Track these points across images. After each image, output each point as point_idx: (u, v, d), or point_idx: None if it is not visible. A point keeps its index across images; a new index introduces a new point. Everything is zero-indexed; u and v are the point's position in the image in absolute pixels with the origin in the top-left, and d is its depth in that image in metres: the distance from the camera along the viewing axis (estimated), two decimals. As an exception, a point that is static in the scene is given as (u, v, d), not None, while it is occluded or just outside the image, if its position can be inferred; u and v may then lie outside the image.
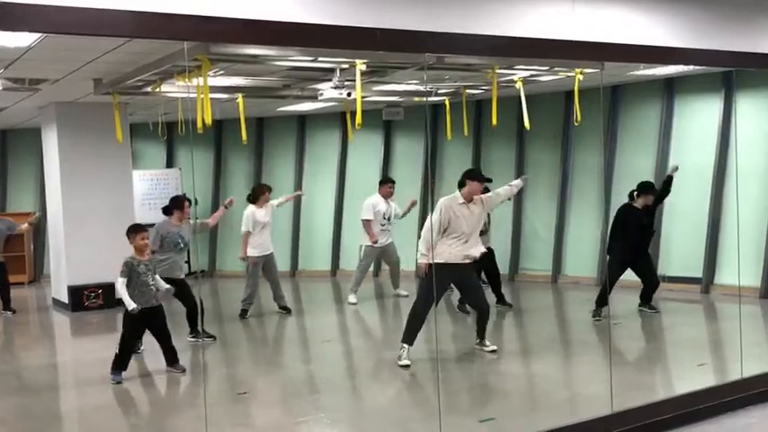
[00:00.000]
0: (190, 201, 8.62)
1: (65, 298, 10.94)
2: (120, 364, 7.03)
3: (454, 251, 7.16)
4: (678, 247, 10.71)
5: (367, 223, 10.43)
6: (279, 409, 6.44)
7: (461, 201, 7.31)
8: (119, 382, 6.96)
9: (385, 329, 9.93)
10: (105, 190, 10.99)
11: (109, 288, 10.87)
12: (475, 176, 7.42)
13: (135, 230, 7.10)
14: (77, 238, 10.87)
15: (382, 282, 12.13)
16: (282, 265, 13.30)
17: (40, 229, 14.10)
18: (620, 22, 5.81)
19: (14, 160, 14.51)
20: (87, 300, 10.76)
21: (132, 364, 7.21)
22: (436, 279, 7.01)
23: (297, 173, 13.87)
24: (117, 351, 7.04)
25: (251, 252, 9.70)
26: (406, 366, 7.10)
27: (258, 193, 9.84)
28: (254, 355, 8.48)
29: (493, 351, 7.60)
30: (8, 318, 10.65)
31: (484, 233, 8.97)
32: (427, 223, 7.12)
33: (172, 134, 13.48)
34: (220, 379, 7.24)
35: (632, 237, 8.82)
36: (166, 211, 8.56)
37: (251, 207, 9.75)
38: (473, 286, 7.66)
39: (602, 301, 8.82)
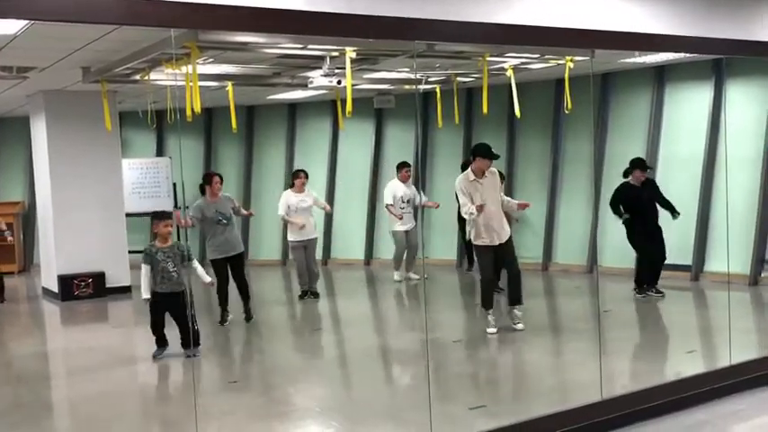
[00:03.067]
0: (220, 176, 8.88)
1: (55, 287, 10.91)
2: (158, 342, 7.26)
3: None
4: (668, 234, 10.71)
5: (390, 207, 10.91)
6: (269, 397, 6.44)
7: (472, 177, 7.65)
8: (158, 357, 7.24)
9: (376, 317, 9.95)
10: (95, 179, 10.94)
11: (99, 277, 10.86)
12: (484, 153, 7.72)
13: (159, 217, 7.26)
14: (67, 227, 10.83)
15: (373, 269, 12.14)
16: (274, 254, 13.33)
17: (29, 218, 14.04)
18: (611, 9, 5.80)
19: (2, 149, 14.42)
20: (77, 289, 10.73)
21: (127, 353, 7.20)
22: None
23: (287, 161, 13.83)
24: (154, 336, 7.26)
25: (288, 236, 10.16)
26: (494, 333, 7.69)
27: (293, 179, 10.21)
28: (245, 342, 8.47)
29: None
30: (-2, 307, 10.62)
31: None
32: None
33: (162, 122, 13.41)
34: (214, 367, 7.23)
35: (634, 212, 9.09)
36: (202, 190, 8.85)
37: (286, 191, 10.19)
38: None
39: (640, 280, 9.11)
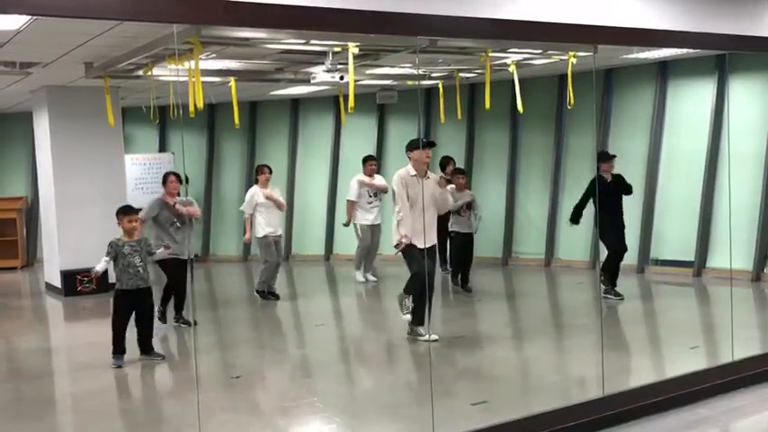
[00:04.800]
0: (178, 176, 8.55)
1: (58, 282, 10.92)
2: (116, 347, 7.04)
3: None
4: (670, 230, 10.73)
5: (350, 204, 10.64)
6: (271, 393, 6.45)
7: (413, 173, 7.24)
8: (119, 366, 6.99)
9: (378, 313, 9.95)
10: (97, 174, 10.94)
11: (102, 273, 10.83)
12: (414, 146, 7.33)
13: (123, 212, 7.10)
14: (70, 223, 10.84)
15: (375, 265, 12.13)
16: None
17: (32, 213, 14.06)
18: (614, 4, 5.79)
19: (5, 144, 14.44)
20: (80, 284, 10.73)
21: (129, 349, 7.19)
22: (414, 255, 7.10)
23: (290, 157, 13.83)
24: (112, 335, 7.05)
25: (258, 232, 9.69)
26: (436, 341, 7.22)
27: (257, 174, 9.88)
28: (247, 339, 8.48)
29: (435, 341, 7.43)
30: (1, 303, 10.62)
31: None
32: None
33: (164, 118, 13.43)
34: (213, 363, 7.24)
35: (602, 207, 8.76)
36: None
37: (253, 188, 9.83)
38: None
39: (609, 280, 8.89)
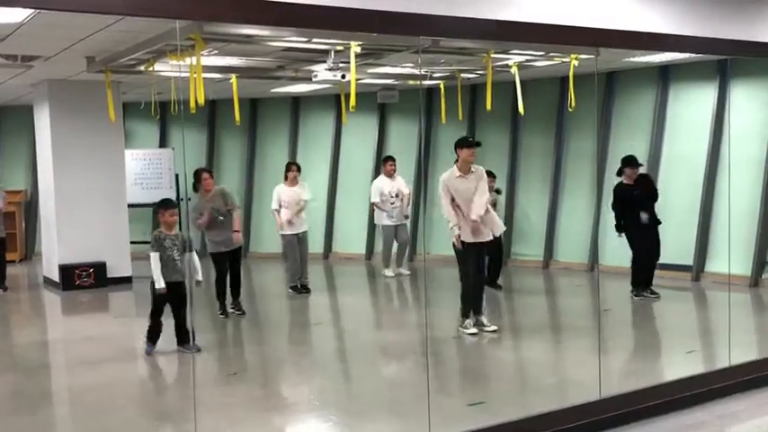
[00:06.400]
0: (210, 172, 8.82)
1: (56, 276, 10.92)
2: (151, 336, 7.13)
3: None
4: (669, 234, 10.70)
5: (377, 204, 10.92)
6: (267, 390, 6.45)
7: (457, 174, 7.46)
8: (149, 354, 7.09)
9: (376, 311, 9.96)
10: (97, 169, 10.95)
11: (100, 267, 10.87)
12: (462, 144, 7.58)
13: (165, 206, 7.20)
14: (69, 217, 10.85)
15: (374, 264, 12.14)
16: (275, 247, 13.30)
17: (31, 207, 14.05)
18: (616, 7, 5.79)
19: (6, 137, 14.42)
20: (78, 278, 10.74)
21: (127, 343, 7.19)
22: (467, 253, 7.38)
23: (290, 155, 13.82)
24: (148, 324, 7.14)
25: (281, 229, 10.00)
26: (474, 334, 7.44)
27: (285, 171, 10.04)
28: (245, 335, 8.48)
29: (494, 331, 7.75)
30: (0, 295, 10.62)
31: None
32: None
33: (165, 114, 13.41)
34: (212, 359, 7.24)
35: (629, 212, 9.01)
36: (195, 187, 8.77)
37: (278, 186, 10.02)
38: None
39: (636, 281, 9.06)
